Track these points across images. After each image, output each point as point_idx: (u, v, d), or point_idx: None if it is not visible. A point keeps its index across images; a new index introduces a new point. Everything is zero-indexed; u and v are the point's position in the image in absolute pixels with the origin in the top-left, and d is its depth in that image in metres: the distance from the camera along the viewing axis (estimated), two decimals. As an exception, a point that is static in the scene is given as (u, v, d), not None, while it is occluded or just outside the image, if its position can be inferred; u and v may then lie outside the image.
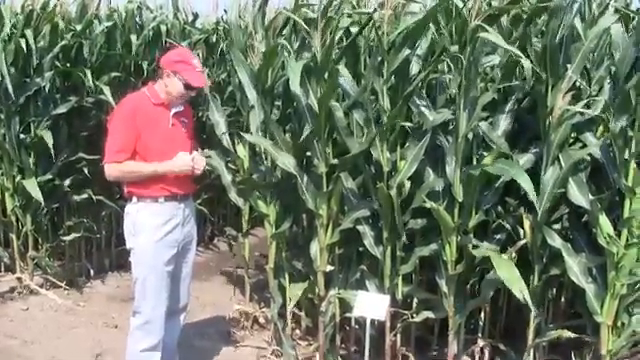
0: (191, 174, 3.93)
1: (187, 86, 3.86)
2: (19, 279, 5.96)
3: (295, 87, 4.23)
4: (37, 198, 5.59)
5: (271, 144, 4.51)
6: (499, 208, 4.19)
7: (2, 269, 6.34)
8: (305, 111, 4.33)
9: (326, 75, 4.20)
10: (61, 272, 6.19)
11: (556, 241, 3.81)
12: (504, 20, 4.12)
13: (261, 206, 4.75)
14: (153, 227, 3.87)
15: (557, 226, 4.01)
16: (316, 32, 4.20)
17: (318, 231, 4.42)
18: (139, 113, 3.85)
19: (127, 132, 3.80)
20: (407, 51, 3.97)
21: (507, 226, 4.08)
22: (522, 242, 3.87)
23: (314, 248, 4.46)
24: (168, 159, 3.85)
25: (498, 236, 4.15)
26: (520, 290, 3.61)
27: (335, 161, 4.32)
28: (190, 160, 3.87)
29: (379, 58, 4.03)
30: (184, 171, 3.88)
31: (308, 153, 4.47)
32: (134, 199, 3.91)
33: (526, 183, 3.55)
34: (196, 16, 7.45)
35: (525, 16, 3.91)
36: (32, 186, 5.63)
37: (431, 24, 4.10)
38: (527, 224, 3.91)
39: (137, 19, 6.73)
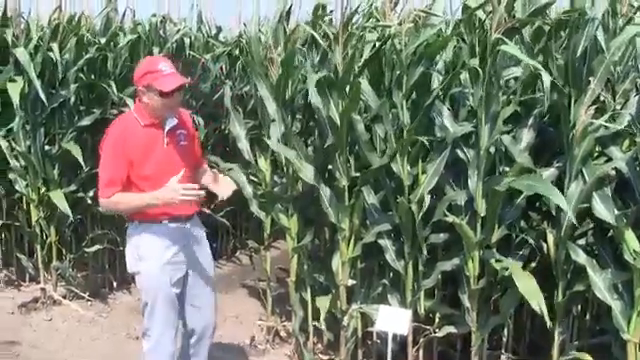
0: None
1: (162, 94, 3.53)
2: (43, 289, 5.99)
3: (316, 100, 4.24)
4: (64, 210, 5.60)
5: (295, 155, 4.48)
6: (522, 223, 4.14)
7: (27, 279, 6.40)
8: (326, 124, 4.33)
9: (347, 88, 4.18)
10: (84, 283, 6.22)
11: (580, 256, 3.74)
12: (526, 33, 4.08)
13: (282, 219, 4.74)
14: (158, 250, 3.69)
15: (582, 241, 3.94)
16: (337, 46, 4.19)
17: (340, 245, 4.40)
18: (128, 139, 3.60)
19: (116, 161, 3.57)
20: (426, 64, 3.95)
21: (530, 241, 4.03)
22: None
23: (336, 262, 4.45)
24: (165, 183, 3.54)
25: (521, 251, 4.09)
26: (538, 303, 3.54)
27: (357, 174, 4.30)
28: (181, 189, 3.45)
29: (398, 71, 4.01)
30: (175, 201, 3.49)
31: (329, 166, 4.46)
32: (135, 222, 3.73)
33: (558, 198, 3.47)
34: (219, 29, 7.50)
35: (547, 28, 3.87)
36: (59, 198, 5.65)
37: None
38: (551, 239, 3.86)
39: (161, 32, 6.76)
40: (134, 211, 3.67)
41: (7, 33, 5.84)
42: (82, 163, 5.66)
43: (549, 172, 3.94)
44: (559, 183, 3.84)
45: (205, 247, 3.97)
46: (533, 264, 3.93)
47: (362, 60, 4.30)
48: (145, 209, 3.62)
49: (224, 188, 3.90)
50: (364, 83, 4.26)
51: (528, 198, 3.96)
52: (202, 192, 3.58)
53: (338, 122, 4.19)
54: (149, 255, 3.70)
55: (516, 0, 3.97)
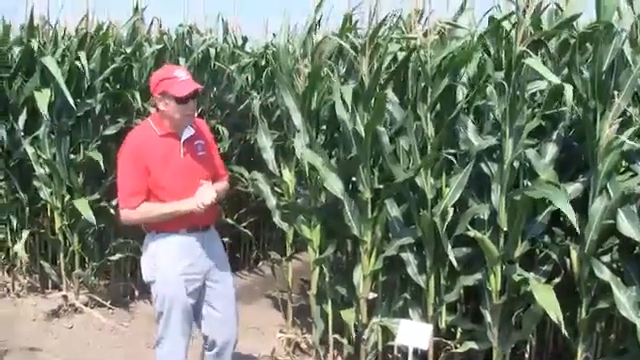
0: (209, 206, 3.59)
1: (178, 100, 3.53)
2: (65, 297, 6.03)
3: (341, 112, 4.23)
4: (88, 218, 5.64)
5: (321, 163, 4.46)
6: (546, 238, 4.09)
7: (49, 286, 6.43)
8: (351, 136, 4.32)
9: (373, 101, 4.17)
10: (106, 291, 6.26)
11: (605, 273, 3.69)
12: (552, 45, 4.06)
13: (305, 231, 4.74)
14: (174, 260, 3.69)
15: (606, 258, 3.88)
16: (364, 57, 4.19)
17: (362, 258, 4.38)
18: (145, 149, 3.62)
19: (135, 172, 3.59)
20: (451, 77, 3.93)
21: (554, 257, 3.98)
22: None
23: (357, 275, 4.44)
24: (189, 194, 3.58)
25: (545, 267, 4.04)
26: (556, 314, 3.49)
27: (380, 187, 4.29)
28: (197, 200, 3.53)
29: (423, 84, 3.99)
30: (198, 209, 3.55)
31: (353, 178, 4.45)
32: (152, 232, 3.73)
33: (567, 210, 3.44)
34: (245, 40, 7.53)
35: (573, 41, 3.84)
36: (83, 206, 5.69)
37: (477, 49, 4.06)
38: (574, 255, 3.81)
39: (187, 42, 6.80)
40: (159, 221, 3.66)
41: (33, 43, 5.92)
42: (105, 171, 5.70)
43: (573, 187, 3.90)
44: (584, 198, 3.80)
45: (222, 258, 3.95)
46: (557, 280, 3.88)
47: (387, 72, 4.30)
48: (169, 218, 3.63)
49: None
50: (390, 95, 4.25)
51: (552, 214, 3.92)
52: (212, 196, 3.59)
53: (363, 134, 4.18)
54: (165, 265, 3.70)
55: (542, 12, 3.97)
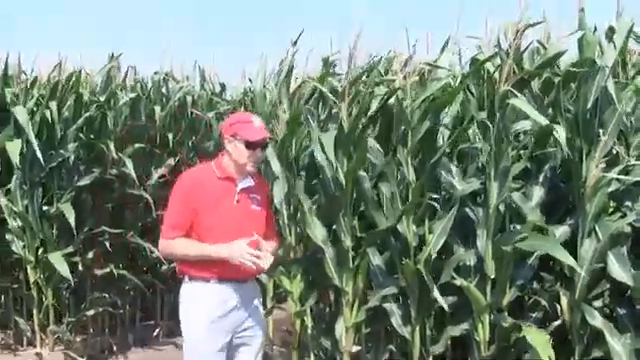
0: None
1: (248, 144, 3.49)
2: (38, 354, 5.81)
3: (320, 158, 4.10)
4: (64, 274, 5.44)
5: (308, 209, 4.32)
6: (535, 284, 3.94)
7: (24, 343, 6.18)
8: (331, 182, 4.18)
9: (352, 147, 4.05)
10: (82, 347, 6.02)
11: (597, 320, 3.55)
12: (535, 85, 3.96)
13: (284, 282, 4.58)
14: (205, 309, 3.51)
15: (598, 303, 3.73)
16: (343, 102, 4.08)
17: (343, 309, 4.21)
18: (198, 188, 3.53)
19: (182, 208, 3.51)
20: (432, 119, 3.81)
21: (544, 303, 3.82)
22: (557, 322, 3.61)
23: (339, 327, 4.26)
24: (228, 239, 3.42)
25: (535, 314, 3.89)
26: (548, 356, 3.35)
27: (362, 235, 4.14)
28: (247, 252, 3.35)
29: (403, 127, 3.87)
30: (238, 260, 3.38)
31: (334, 227, 4.29)
32: (185, 278, 3.58)
33: (565, 257, 3.32)
34: (223, 87, 7.43)
35: (557, 80, 3.74)
36: (58, 260, 5.49)
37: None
38: (565, 301, 3.66)
39: (163, 90, 6.68)
40: (191, 259, 3.52)
41: (7, 93, 5.78)
42: (72, 226, 5.47)
43: (561, 230, 3.78)
44: (572, 241, 3.67)
45: (256, 314, 3.69)
46: (550, 327, 3.71)
47: (366, 116, 4.18)
48: (201, 259, 3.47)
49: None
50: (370, 140, 4.12)
51: (540, 257, 3.78)
52: (266, 262, 3.42)
53: (343, 180, 4.05)
54: (194, 316, 3.53)
55: (524, 51, 3.88)
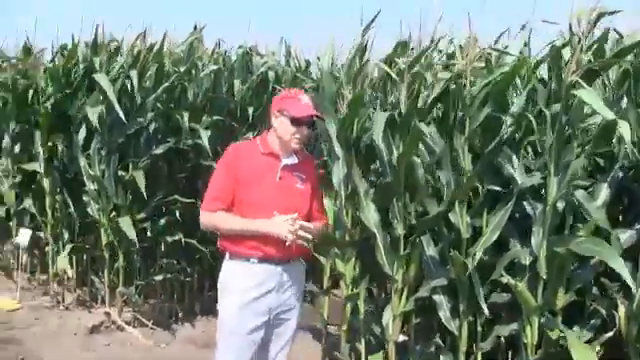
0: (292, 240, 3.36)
1: (293, 120, 3.42)
2: (107, 314, 5.99)
3: (377, 140, 3.98)
4: (131, 237, 5.57)
5: (364, 192, 4.22)
6: (595, 289, 3.69)
7: (98, 301, 6.41)
8: (387, 167, 4.05)
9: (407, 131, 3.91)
10: (149, 311, 6.17)
11: (656, 334, 3.28)
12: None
13: (339, 264, 4.48)
14: (240, 290, 3.44)
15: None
16: (402, 84, 3.93)
17: (392, 297, 4.08)
18: (242, 161, 3.48)
19: (225, 180, 3.47)
20: (493, 106, 3.61)
21: (602, 311, 3.58)
22: (609, 334, 3.37)
23: (387, 315, 4.13)
24: (268, 215, 3.37)
25: (593, 321, 3.65)
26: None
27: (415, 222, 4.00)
28: (286, 226, 3.32)
29: (461, 113, 3.69)
30: (278, 235, 3.35)
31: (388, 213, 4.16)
32: (226, 255, 3.53)
33: (621, 268, 3.05)
34: (308, 63, 7.34)
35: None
36: (127, 224, 5.62)
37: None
38: (622, 311, 3.40)
39: (249, 64, 6.67)
40: (232, 233, 3.47)
41: (95, 61, 5.92)
42: (144, 193, 5.55)
43: (627, 234, 3.52)
44: (638, 247, 3.41)
45: (295, 297, 3.61)
46: (607, 335, 3.47)
47: (429, 100, 4.02)
48: (242, 234, 3.43)
49: None
50: (427, 125, 3.95)
51: (602, 261, 3.51)
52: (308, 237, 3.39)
53: (396, 164, 3.91)
54: (230, 294, 3.49)
55: (606, 40, 3.62)
